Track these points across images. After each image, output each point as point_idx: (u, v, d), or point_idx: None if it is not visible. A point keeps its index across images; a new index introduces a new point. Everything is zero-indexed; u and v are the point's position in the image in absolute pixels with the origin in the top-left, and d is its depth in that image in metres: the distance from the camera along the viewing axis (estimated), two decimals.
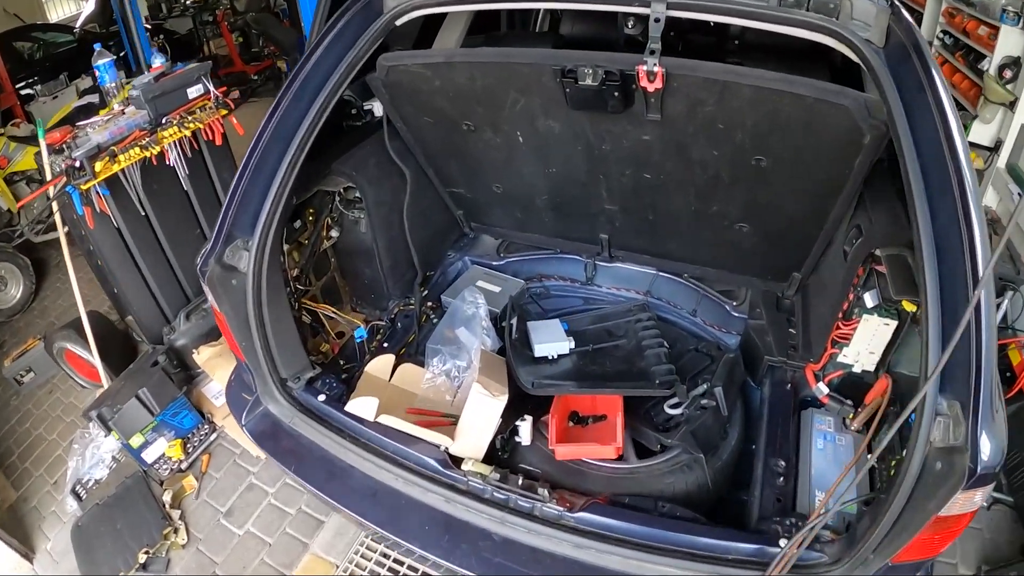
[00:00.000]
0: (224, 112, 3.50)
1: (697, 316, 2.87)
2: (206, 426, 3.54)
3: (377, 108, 2.79)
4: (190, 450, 3.47)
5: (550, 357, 2.59)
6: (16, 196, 4.89)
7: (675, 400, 2.40)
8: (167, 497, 3.30)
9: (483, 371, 2.29)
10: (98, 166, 2.97)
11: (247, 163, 2.12)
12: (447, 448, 2.18)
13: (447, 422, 2.36)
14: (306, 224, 2.65)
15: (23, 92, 6.82)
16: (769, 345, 2.53)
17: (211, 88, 3.41)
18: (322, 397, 2.39)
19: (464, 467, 2.12)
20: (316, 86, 2.16)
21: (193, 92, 3.38)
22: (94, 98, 5.48)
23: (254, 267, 2.16)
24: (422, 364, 2.57)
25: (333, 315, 2.69)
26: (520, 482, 2.06)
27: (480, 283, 2.94)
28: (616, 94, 1.97)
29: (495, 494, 2.06)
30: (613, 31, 3.26)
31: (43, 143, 3.04)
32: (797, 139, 1.99)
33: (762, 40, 2.78)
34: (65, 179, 2.92)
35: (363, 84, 2.46)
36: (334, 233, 2.73)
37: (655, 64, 1.85)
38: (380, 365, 2.52)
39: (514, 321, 2.57)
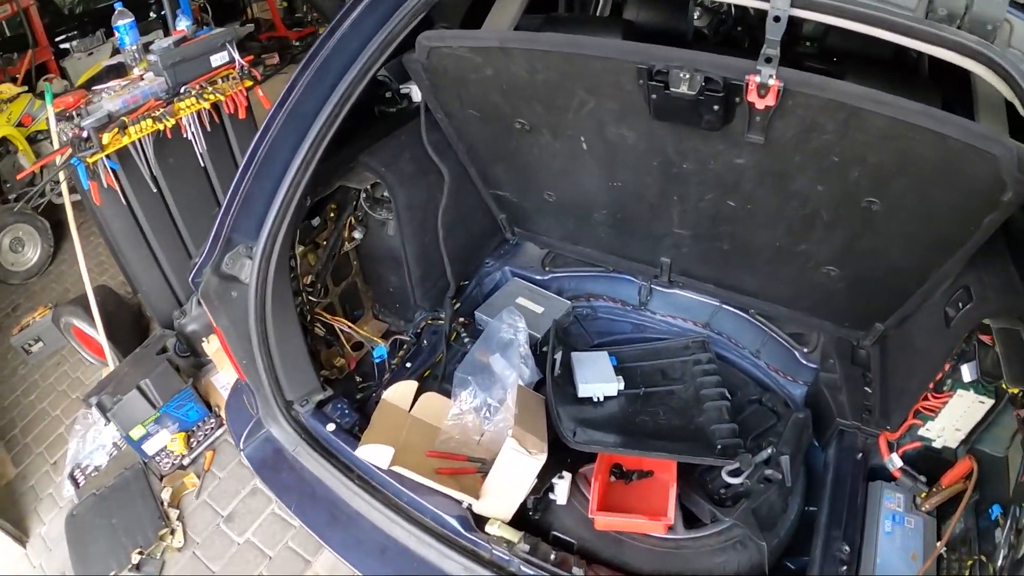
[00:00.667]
0: (249, 84, 3.09)
1: (761, 358, 2.44)
2: (212, 420, 3.20)
3: (415, 93, 2.34)
4: (194, 444, 3.14)
5: (595, 399, 2.19)
6: (39, 155, 4.54)
7: (735, 466, 1.98)
8: (166, 494, 2.97)
9: (520, 418, 1.89)
10: (106, 138, 2.58)
11: (253, 156, 1.71)
12: (471, 506, 1.80)
13: (472, 469, 1.97)
14: (326, 222, 2.23)
15: (61, 47, 6.49)
16: (842, 405, 2.11)
17: (236, 57, 3.00)
18: (331, 427, 2.01)
19: (489, 529, 1.75)
20: (341, 66, 1.72)
21: (217, 60, 2.97)
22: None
23: (258, 278, 1.77)
24: (448, 393, 2.18)
25: (350, 330, 2.29)
26: (552, 557, 1.70)
27: (520, 300, 2.51)
28: (716, 108, 1.52)
29: (522, 568, 1.69)
30: (682, 21, 2.78)
31: (50, 109, 2.66)
32: (924, 185, 1.57)
33: (849, 47, 2.34)
34: (70, 150, 2.54)
35: (400, 63, 2.02)
36: (357, 235, 2.31)
37: (771, 76, 1.40)
38: (400, 393, 2.12)
39: (558, 356, 2.16)
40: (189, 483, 3.04)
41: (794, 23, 3.22)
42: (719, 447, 2.00)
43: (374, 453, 1.82)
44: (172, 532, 2.85)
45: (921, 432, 1.87)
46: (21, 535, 3.06)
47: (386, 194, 2.17)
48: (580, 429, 2.06)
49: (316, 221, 2.21)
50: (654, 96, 1.58)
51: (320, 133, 1.72)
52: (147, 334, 3.79)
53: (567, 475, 1.91)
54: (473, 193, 2.42)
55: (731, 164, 1.74)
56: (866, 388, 2.14)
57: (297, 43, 8.13)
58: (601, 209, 2.20)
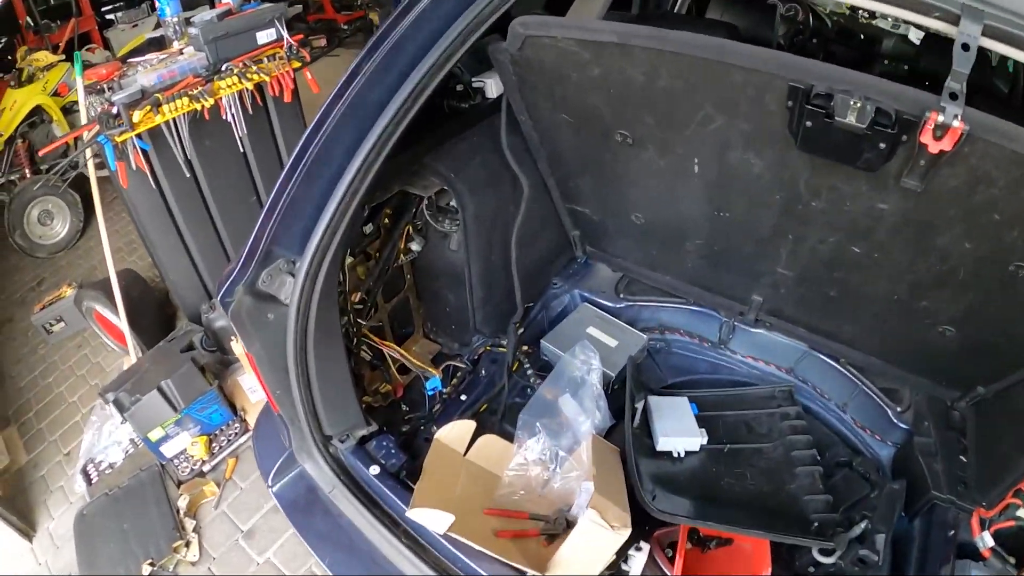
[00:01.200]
0: (297, 65, 2.75)
1: (847, 413, 2.10)
2: (237, 424, 2.90)
3: (490, 87, 1.99)
4: (215, 450, 2.85)
5: (675, 454, 1.85)
6: (73, 127, 4.25)
7: (830, 545, 1.66)
8: (183, 503, 2.69)
9: (600, 481, 1.57)
10: (137, 115, 2.26)
11: (302, 155, 1.37)
12: None
13: (535, 531, 1.65)
14: (379, 230, 1.89)
15: (107, 17, 6.21)
16: (937, 476, 1.78)
17: (285, 35, 2.66)
18: (375, 469, 1.70)
19: None
20: (417, 51, 1.35)
21: (263, 37, 2.63)
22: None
23: (301, 298, 1.44)
24: (507, 434, 1.85)
25: (401, 358, 1.96)
26: None
27: (591, 330, 2.16)
28: (881, 146, 1.20)
29: None
30: (768, 28, 2.41)
31: (79, 80, 2.35)
32: None
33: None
34: (97, 127, 2.22)
35: (474, 53, 1.67)
36: (415, 246, 1.97)
37: (956, 116, 1.07)
38: (456, 433, 1.80)
39: (640, 406, 1.82)
40: (208, 492, 2.76)
41: (867, 34, 2.81)
42: (815, 524, 1.70)
43: (430, 518, 1.50)
44: (187, 544, 2.57)
45: (1020, 512, 1.57)
46: (28, 529, 2.80)
47: (452, 203, 1.82)
48: (660, 492, 1.74)
49: (368, 229, 1.87)
50: (808, 123, 1.25)
51: (386, 131, 1.37)
52: (172, 323, 3.51)
53: (645, 547, 1.60)
54: (546, 205, 2.07)
55: (871, 208, 1.42)
56: (961, 457, 1.82)
57: (345, 26, 7.77)
58: (696, 239, 1.85)
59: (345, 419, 1.72)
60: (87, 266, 4.20)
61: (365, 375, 1.97)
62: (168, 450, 2.76)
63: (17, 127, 4.19)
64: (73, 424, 3.20)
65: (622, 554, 1.59)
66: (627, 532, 1.48)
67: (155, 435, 2.69)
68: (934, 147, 1.12)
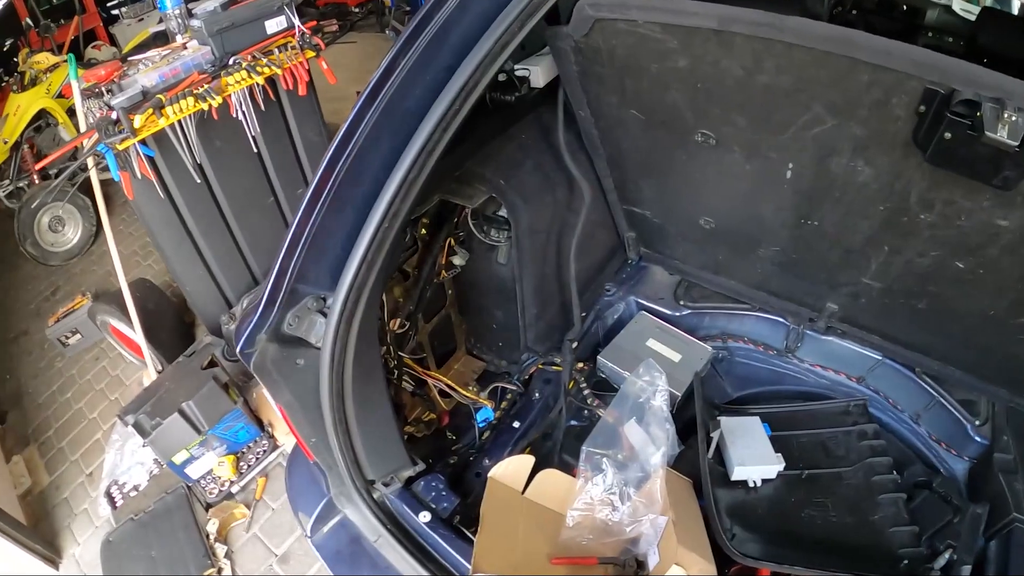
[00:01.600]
0: (311, 54, 2.49)
1: (921, 425, 1.90)
2: (265, 440, 2.71)
3: (536, 74, 1.70)
4: (244, 468, 2.67)
5: (751, 483, 1.64)
6: (79, 129, 4.01)
7: None
8: (212, 527, 2.51)
9: (680, 527, 1.36)
10: (138, 120, 2.02)
11: (328, 178, 1.13)
12: None
13: (605, 574, 1.45)
14: (417, 243, 1.65)
15: (113, 12, 5.92)
16: (1018, 494, 1.60)
17: (296, 22, 2.39)
18: (426, 516, 1.49)
19: None
20: (462, 43, 1.10)
21: (273, 26, 2.37)
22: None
23: (336, 340, 1.21)
24: (566, 464, 1.64)
25: (449, 389, 1.73)
26: None
27: (651, 343, 1.91)
28: None
29: None
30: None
31: (75, 85, 2.10)
32: None
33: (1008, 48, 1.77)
34: (96, 135, 1.98)
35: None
36: (458, 260, 1.71)
37: None
38: (512, 470, 1.58)
39: (716, 435, 1.60)
40: (239, 514, 2.58)
41: (910, 5, 2.51)
42: (904, 562, 1.53)
43: None
44: (219, 572, 2.41)
45: None
46: (53, 556, 2.65)
47: (501, 213, 1.58)
48: (738, 529, 1.54)
49: (405, 240, 1.63)
50: (947, 135, 1.02)
51: (431, 139, 1.11)
52: (192, 333, 3.31)
53: None
54: (601, 207, 1.82)
55: (988, 224, 1.21)
56: None
57: (356, 9, 7.37)
58: (772, 246, 1.61)
59: (389, 461, 1.51)
60: (102, 272, 3.99)
61: (406, 403, 1.76)
62: (194, 472, 2.58)
63: (22, 132, 3.96)
64: (94, 442, 3.03)
65: None
66: None
67: (179, 458, 2.51)
68: None
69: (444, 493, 1.55)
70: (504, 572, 1.32)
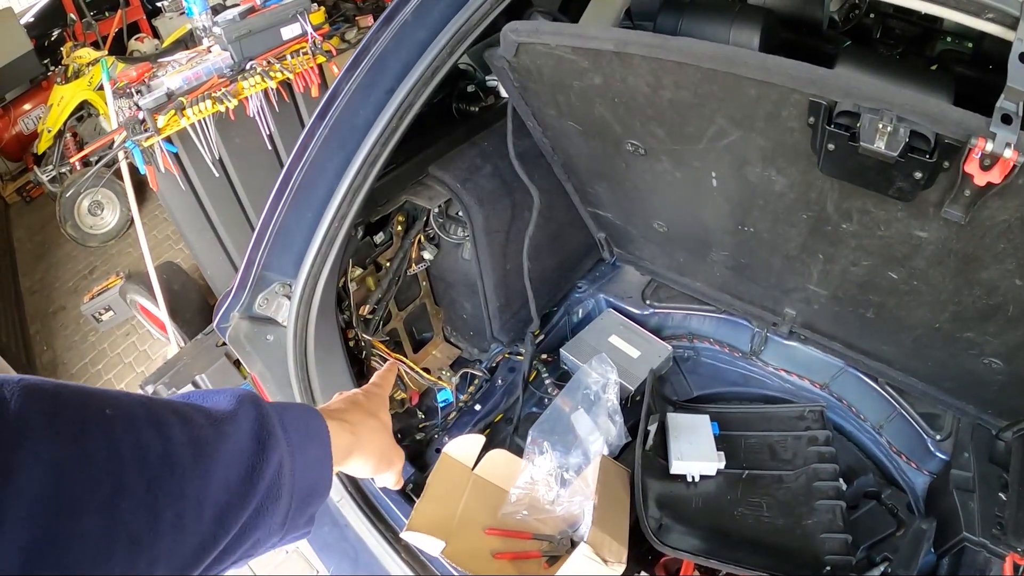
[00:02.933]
0: (322, 60, 2.74)
1: (883, 435, 1.97)
2: None
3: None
4: None
5: (690, 478, 1.78)
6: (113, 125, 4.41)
7: None
8: None
9: (600, 511, 1.52)
10: (162, 119, 2.31)
11: (287, 181, 1.36)
12: None
13: (536, 552, 1.63)
14: (392, 238, 1.88)
15: (158, 4, 6.35)
16: (972, 515, 1.63)
17: (309, 29, 2.65)
18: None
19: None
20: (401, 66, 1.31)
21: (288, 33, 2.63)
22: None
23: (298, 319, 1.45)
24: (519, 448, 1.83)
25: (411, 370, 1.95)
26: None
27: (614, 339, 2.08)
28: (916, 175, 1.03)
29: None
30: (817, 7, 2.22)
31: (107, 87, 2.41)
32: None
33: None
34: (124, 133, 2.28)
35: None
36: (427, 255, 1.94)
37: (1009, 145, 0.90)
38: (463, 448, 1.78)
39: (653, 428, 1.75)
40: None
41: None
42: (827, 568, 1.57)
43: (422, 542, 1.50)
44: None
45: None
46: None
47: (462, 213, 1.79)
48: (668, 520, 1.66)
49: (380, 237, 1.85)
50: (831, 147, 1.10)
51: (373, 152, 1.33)
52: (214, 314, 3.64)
53: None
54: (569, 207, 2.00)
55: (908, 235, 1.27)
56: (1001, 494, 1.66)
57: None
58: (722, 250, 1.75)
59: None
60: (137, 254, 4.38)
61: None
62: None
63: (65, 122, 4.34)
64: None
65: None
66: (621, 568, 1.42)
67: None
68: (980, 178, 0.96)
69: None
70: (438, 534, 1.51)
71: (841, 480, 1.78)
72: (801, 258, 1.58)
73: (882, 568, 1.58)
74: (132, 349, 3.69)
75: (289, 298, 1.44)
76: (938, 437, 1.86)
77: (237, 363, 2.91)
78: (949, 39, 2.25)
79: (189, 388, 2.71)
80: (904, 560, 1.58)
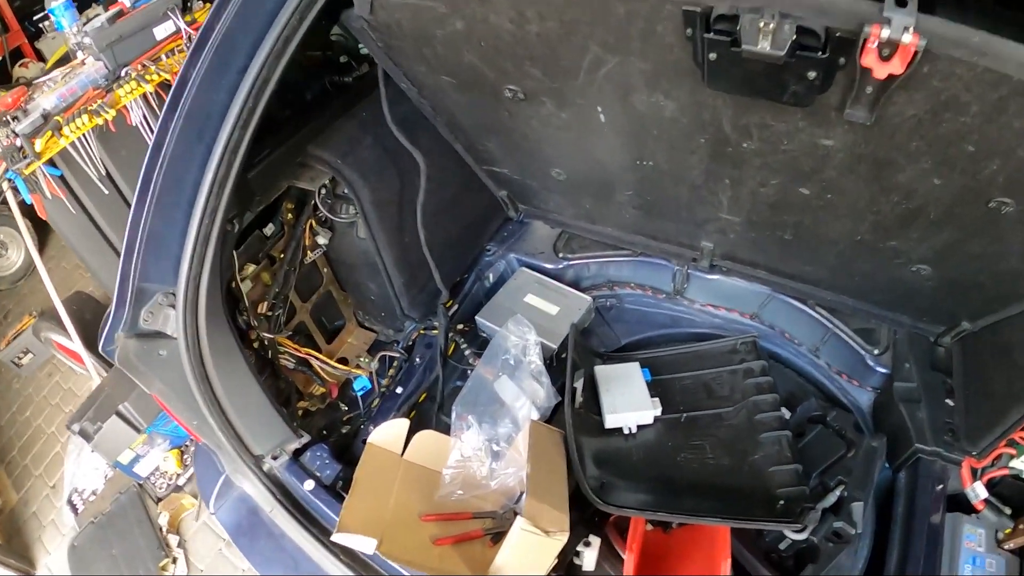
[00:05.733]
0: None
1: (821, 358, 2.01)
2: None
3: None
4: (188, 461, 2.90)
5: (627, 431, 1.80)
6: None
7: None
8: (163, 520, 2.76)
9: (533, 479, 1.52)
10: (39, 143, 2.21)
11: (147, 184, 1.32)
12: None
13: (478, 532, 1.63)
14: (283, 228, 1.83)
15: (40, 25, 6.03)
16: (921, 425, 1.67)
17: (182, 25, 2.55)
18: (310, 484, 1.69)
19: None
20: (249, 43, 1.24)
21: (161, 32, 2.53)
22: None
23: (188, 327, 1.40)
24: (446, 426, 1.82)
25: (320, 363, 1.92)
26: None
27: (530, 298, 2.08)
28: (811, 75, 1.00)
29: None
30: None
31: None
32: None
33: None
34: (4, 164, 2.18)
35: None
36: (321, 240, 1.89)
37: (907, 29, 0.85)
38: (389, 435, 1.77)
39: (579, 385, 1.76)
40: (187, 504, 2.82)
41: None
42: (781, 502, 1.58)
43: (355, 542, 1.49)
44: (174, 561, 2.65)
45: (1014, 463, 1.53)
46: (27, 568, 2.90)
47: (347, 190, 1.75)
48: (609, 478, 1.66)
49: (270, 229, 1.80)
50: (712, 56, 1.04)
51: (233, 136, 1.27)
52: None
53: (595, 540, 1.57)
54: (464, 169, 1.97)
55: (813, 146, 1.24)
56: (947, 401, 1.72)
57: None
58: (626, 190, 1.74)
59: (272, 435, 1.70)
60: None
61: (299, 380, 1.95)
62: (142, 469, 2.81)
63: None
64: (55, 455, 3.27)
65: (570, 552, 1.55)
66: (564, 536, 1.43)
67: (125, 457, 2.74)
68: (881, 70, 0.90)
69: (328, 461, 1.74)
70: (370, 532, 1.49)
71: (783, 409, 1.81)
72: (708, 186, 1.57)
73: (838, 492, 1.58)
74: (58, 389, 3.56)
75: (174, 307, 1.39)
76: (876, 352, 1.91)
77: None
78: None
79: (113, 419, 2.64)
80: (859, 481, 1.59)
